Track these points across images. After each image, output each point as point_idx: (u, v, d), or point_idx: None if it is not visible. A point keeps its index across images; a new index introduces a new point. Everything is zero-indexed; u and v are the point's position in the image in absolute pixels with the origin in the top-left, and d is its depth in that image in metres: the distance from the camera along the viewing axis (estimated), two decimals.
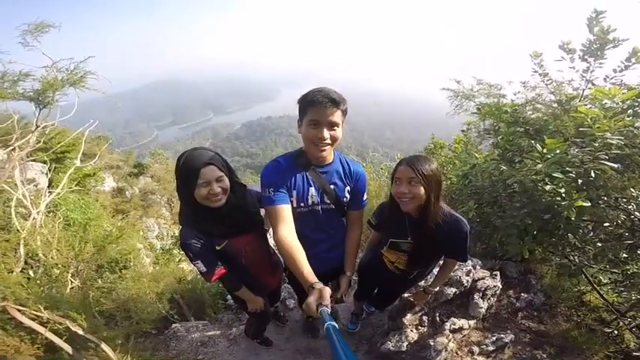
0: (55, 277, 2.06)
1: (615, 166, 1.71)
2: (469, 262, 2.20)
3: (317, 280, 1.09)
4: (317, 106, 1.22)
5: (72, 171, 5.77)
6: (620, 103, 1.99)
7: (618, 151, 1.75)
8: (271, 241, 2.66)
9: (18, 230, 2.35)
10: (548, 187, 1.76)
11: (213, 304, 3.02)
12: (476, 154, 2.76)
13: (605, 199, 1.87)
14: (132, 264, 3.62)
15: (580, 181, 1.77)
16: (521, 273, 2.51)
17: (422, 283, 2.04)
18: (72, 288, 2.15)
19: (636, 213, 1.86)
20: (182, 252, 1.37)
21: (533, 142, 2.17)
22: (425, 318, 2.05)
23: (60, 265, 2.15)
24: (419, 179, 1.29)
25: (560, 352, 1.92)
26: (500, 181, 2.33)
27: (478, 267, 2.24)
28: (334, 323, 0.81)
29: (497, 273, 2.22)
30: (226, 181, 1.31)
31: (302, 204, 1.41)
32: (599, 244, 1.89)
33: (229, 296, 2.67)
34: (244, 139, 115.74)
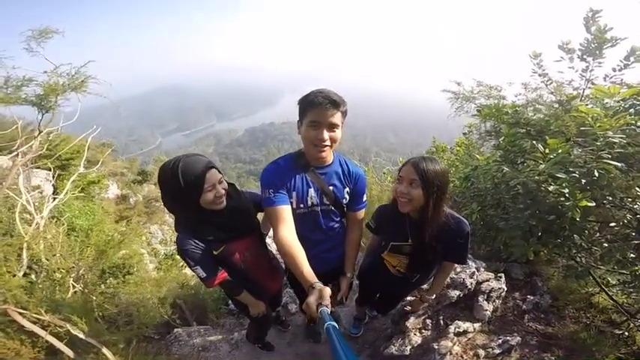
0: (57, 281, 2.07)
1: (619, 165, 1.68)
2: (473, 264, 2.17)
3: (317, 280, 1.09)
4: (317, 107, 1.23)
5: (75, 177, 5.83)
6: (621, 102, 1.98)
7: (621, 150, 1.73)
8: (273, 247, 2.66)
9: (22, 235, 2.37)
10: (551, 188, 1.74)
11: (216, 308, 3.01)
12: (478, 156, 2.74)
13: (610, 198, 1.84)
14: (135, 269, 3.63)
15: (584, 181, 1.74)
16: (526, 275, 2.47)
17: (425, 286, 2.01)
18: (75, 292, 2.16)
19: None
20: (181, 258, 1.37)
21: (535, 142, 2.16)
22: (428, 321, 2.02)
23: (62, 270, 2.16)
24: (419, 182, 1.27)
25: (570, 355, 1.87)
26: (503, 182, 2.31)
27: (482, 269, 2.21)
28: (334, 323, 0.80)
29: (502, 275, 2.19)
30: (225, 183, 1.32)
31: (301, 205, 1.42)
32: (606, 245, 1.85)
33: (231, 301, 2.67)
34: (247, 146, 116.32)
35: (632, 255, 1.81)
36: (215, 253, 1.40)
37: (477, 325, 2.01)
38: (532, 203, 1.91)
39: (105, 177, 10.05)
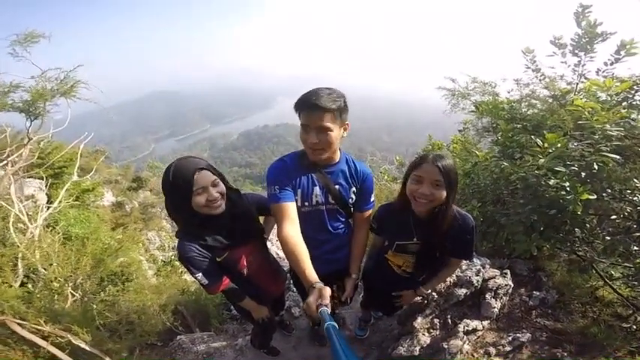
0: (54, 290, 2.02)
1: (617, 157, 1.70)
2: (478, 261, 2.15)
3: (318, 280, 1.08)
4: (305, 110, 1.22)
5: (69, 186, 5.74)
6: (615, 96, 2.00)
7: (619, 143, 1.75)
8: (272, 250, 2.63)
9: (16, 245, 2.31)
10: (552, 182, 1.75)
11: (218, 314, 2.97)
12: (477, 152, 2.74)
13: (610, 191, 1.86)
14: (134, 276, 3.58)
15: (583, 174, 1.76)
16: (530, 271, 2.47)
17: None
18: (74, 301, 2.11)
19: None
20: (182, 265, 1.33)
21: (532, 137, 2.17)
22: (436, 321, 1.99)
23: (60, 279, 2.11)
24: (443, 182, 1.23)
25: (582, 350, 1.87)
26: (502, 178, 2.32)
27: (487, 266, 2.19)
28: (334, 323, 0.80)
29: (508, 271, 2.17)
30: (222, 186, 1.28)
31: (306, 203, 1.41)
32: (608, 238, 1.86)
33: (234, 307, 2.64)
34: (242, 149, 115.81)
35: (635, 247, 1.82)
36: (218, 259, 1.37)
37: (485, 323, 1.99)
38: (532, 198, 1.92)
39: (100, 185, 9.92)
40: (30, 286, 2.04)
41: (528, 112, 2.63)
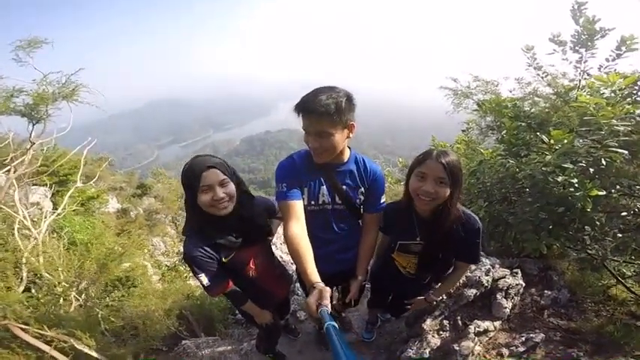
0: (58, 295, 2.01)
1: (624, 152, 1.68)
2: (487, 261, 2.12)
3: (319, 280, 1.08)
4: (303, 115, 1.21)
5: (73, 192, 5.76)
6: (619, 91, 1.99)
7: (626, 138, 1.73)
8: (277, 253, 2.60)
9: (20, 250, 2.31)
10: (560, 179, 1.73)
11: (223, 318, 2.95)
12: (482, 150, 2.72)
13: (619, 187, 1.83)
14: (139, 282, 3.57)
15: (591, 170, 1.73)
16: (540, 270, 2.42)
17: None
18: (81, 306, 2.10)
19: None
20: (187, 267, 1.32)
21: (537, 134, 2.15)
22: (446, 322, 1.96)
23: (64, 284, 2.10)
24: (448, 180, 1.20)
25: (598, 350, 1.82)
26: (509, 176, 2.30)
27: (497, 266, 2.15)
28: (334, 323, 0.80)
29: (518, 271, 2.12)
30: (231, 187, 1.25)
31: (312, 202, 1.41)
32: (619, 235, 1.83)
33: (238, 311, 2.61)
34: (245, 155, 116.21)
35: None
36: (225, 260, 1.36)
37: (497, 324, 1.95)
38: (540, 195, 1.90)
39: (104, 192, 9.98)
40: (34, 291, 2.04)
41: (532, 110, 2.62)
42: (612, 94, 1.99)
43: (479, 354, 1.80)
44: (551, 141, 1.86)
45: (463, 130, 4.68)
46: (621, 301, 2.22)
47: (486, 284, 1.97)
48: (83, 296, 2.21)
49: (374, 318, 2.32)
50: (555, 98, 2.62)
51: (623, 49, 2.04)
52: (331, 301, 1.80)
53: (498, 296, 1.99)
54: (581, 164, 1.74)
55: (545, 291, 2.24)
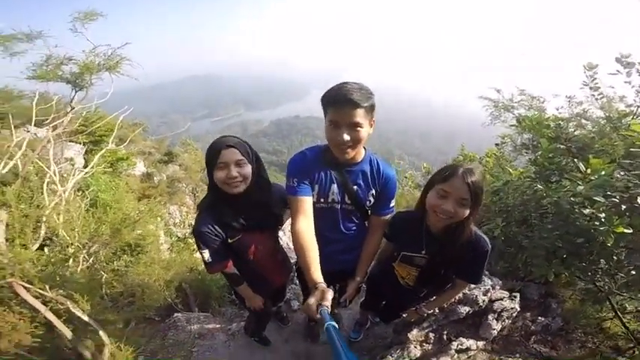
0: (68, 256, 2.11)
1: None
2: (489, 281, 2.08)
3: (321, 281, 1.06)
4: (336, 105, 1.16)
5: (104, 152, 6.08)
6: None
7: None
8: (284, 239, 2.58)
9: (43, 207, 2.44)
10: (586, 211, 1.63)
11: (220, 296, 3.01)
12: (510, 170, 2.58)
13: None
14: (148, 249, 3.72)
15: (624, 206, 1.59)
16: (541, 295, 2.37)
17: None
18: (88, 267, 2.20)
19: None
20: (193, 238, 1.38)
21: (575, 160, 1.98)
22: (432, 335, 1.95)
23: (78, 245, 2.21)
24: (469, 201, 1.16)
25: None
26: (534, 200, 2.18)
27: (498, 287, 2.11)
28: (334, 323, 0.81)
29: (517, 295, 2.10)
30: (247, 169, 1.28)
31: (322, 200, 1.39)
32: (633, 273, 1.73)
33: (233, 291, 2.67)
34: (272, 137, 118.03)
35: None
36: (230, 241, 1.39)
37: (480, 344, 1.94)
38: (562, 224, 1.80)
39: (134, 155, 10.50)
40: (46, 250, 2.14)
41: (576, 133, 2.40)
42: None
43: None
44: (588, 170, 1.70)
45: (496, 144, 4.42)
46: (611, 334, 2.15)
47: (481, 304, 1.95)
48: (92, 259, 2.31)
49: (364, 319, 2.32)
50: (605, 123, 2.40)
51: None
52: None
53: (490, 317, 1.96)
54: (614, 199, 1.59)
55: (539, 317, 2.20)
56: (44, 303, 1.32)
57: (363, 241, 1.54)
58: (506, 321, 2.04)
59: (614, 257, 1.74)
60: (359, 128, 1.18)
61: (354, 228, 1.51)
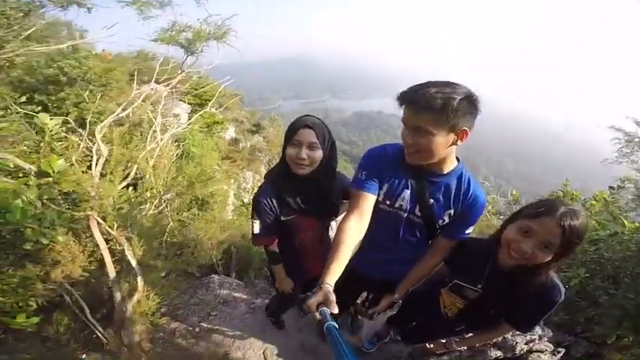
0: (145, 199, 2.44)
1: None
2: (539, 330, 1.83)
3: (331, 284, 0.99)
4: (406, 105, 1.04)
5: (203, 113, 6.94)
6: None
7: None
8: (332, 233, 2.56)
9: (138, 149, 2.86)
10: None
11: (259, 267, 3.16)
12: (625, 222, 2.11)
13: None
14: (215, 207, 4.13)
15: None
16: (587, 354, 2.03)
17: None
18: (158, 213, 2.50)
19: None
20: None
21: None
22: None
23: (157, 190, 2.54)
24: (557, 247, 0.97)
25: None
26: (635, 257, 1.92)
27: (545, 338, 1.86)
28: (335, 324, 0.80)
29: (563, 351, 1.86)
30: (318, 153, 1.27)
31: (388, 201, 1.24)
32: None
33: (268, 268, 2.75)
34: (351, 127, 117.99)
35: None
36: (283, 218, 1.41)
37: None
38: None
39: (228, 120, 11.83)
40: (130, 189, 2.50)
41: None
42: None
43: None
44: None
45: (611, 187, 3.50)
46: None
47: (517, 353, 1.76)
48: (164, 206, 2.64)
49: (385, 333, 2.19)
50: None
51: None
52: (356, 300, 1.66)
53: None
54: None
55: None
56: (107, 240, 1.51)
57: (419, 257, 1.38)
58: None
59: None
60: (427, 135, 1.02)
61: (415, 242, 1.33)
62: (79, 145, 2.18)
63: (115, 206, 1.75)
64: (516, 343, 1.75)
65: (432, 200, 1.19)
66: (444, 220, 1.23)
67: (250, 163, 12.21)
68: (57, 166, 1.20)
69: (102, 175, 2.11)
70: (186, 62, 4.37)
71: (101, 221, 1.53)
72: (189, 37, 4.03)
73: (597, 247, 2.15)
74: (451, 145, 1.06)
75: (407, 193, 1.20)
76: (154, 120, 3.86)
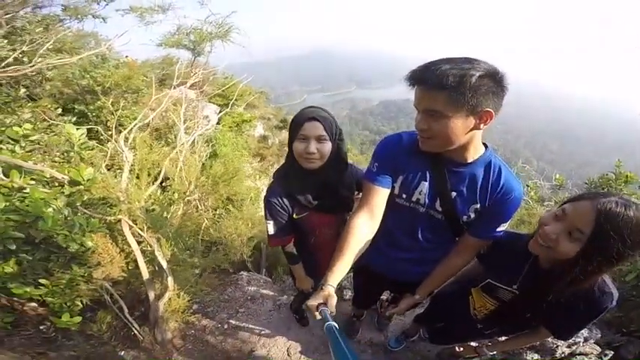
0: (173, 200, 2.52)
1: None
2: (585, 331, 1.68)
3: (333, 284, 0.95)
4: (412, 85, 0.92)
5: (231, 112, 7.10)
6: None
7: None
8: None
9: (163, 153, 2.96)
10: None
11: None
12: None
13: None
14: (243, 205, 4.20)
15: None
16: (637, 356, 1.83)
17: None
18: (184, 214, 2.56)
19: None
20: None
21: None
22: None
23: (180, 191, 2.61)
24: (587, 237, 0.80)
25: None
26: None
27: (592, 340, 1.71)
28: (335, 324, 0.80)
29: (611, 353, 1.72)
30: (327, 146, 1.20)
31: (404, 195, 1.11)
32: None
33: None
34: (378, 116, 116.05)
35: None
36: (295, 217, 1.37)
37: None
38: None
39: (255, 118, 12.12)
40: (159, 192, 2.58)
41: None
42: None
43: None
44: None
45: None
46: None
47: (558, 356, 1.65)
48: (192, 206, 2.72)
49: (414, 332, 2.09)
50: None
51: None
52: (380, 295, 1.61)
53: None
54: None
55: None
56: (138, 242, 1.58)
57: (439, 257, 1.24)
58: None
59: None
60: (440, 118, 0.88)
61: (435, 241, 1.19)
62: (114, 151, 2.31)
63: (145, 208, 1.81)
64: (557, 346, 1.63)
65: (454, 193, 1.05)
66: (470, 216, 1.07)
67: (280, 158, 12.46)
68: (86, 175, 1.26)
69: (137, 178, 2.20)
70: (198, 62, 4.47)
71: (132, 224, 1.59)
72: (193, 39, 4.10)
73: None
74: (472, 129, 0.90)
75: (425, 185, 1.07)
76: (178, 124, 4.00)
